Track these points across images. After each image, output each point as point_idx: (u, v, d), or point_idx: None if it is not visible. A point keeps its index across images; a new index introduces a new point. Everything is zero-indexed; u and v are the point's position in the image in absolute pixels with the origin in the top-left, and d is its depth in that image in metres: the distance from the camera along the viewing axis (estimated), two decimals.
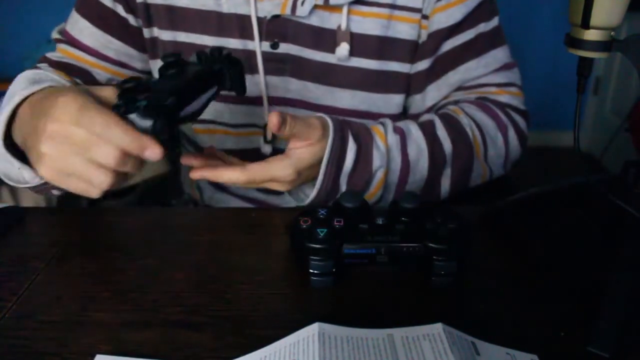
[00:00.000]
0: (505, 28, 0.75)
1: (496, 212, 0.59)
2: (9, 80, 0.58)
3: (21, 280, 0.48)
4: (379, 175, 0.63)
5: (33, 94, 0.51)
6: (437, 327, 0.40)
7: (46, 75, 0.58)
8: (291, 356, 0.38)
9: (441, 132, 0.67)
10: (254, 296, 0.46)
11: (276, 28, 0.67)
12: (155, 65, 0.73)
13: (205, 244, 0.54)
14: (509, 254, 0.54)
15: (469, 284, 0.49)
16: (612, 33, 0.45)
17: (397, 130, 0.65)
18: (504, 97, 0.73)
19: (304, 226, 0.48)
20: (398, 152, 0.64)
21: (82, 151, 0.44)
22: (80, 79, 0.70)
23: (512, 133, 0.72)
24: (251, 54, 0.68)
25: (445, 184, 0.68)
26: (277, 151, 0.72)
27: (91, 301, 0.45)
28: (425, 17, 0.69)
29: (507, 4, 0.74)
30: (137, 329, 0.42)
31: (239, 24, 0.67)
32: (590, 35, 0.45)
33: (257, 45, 0.67)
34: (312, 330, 0.39)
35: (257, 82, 0.69)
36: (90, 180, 0.45)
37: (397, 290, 0.48)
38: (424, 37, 0.70)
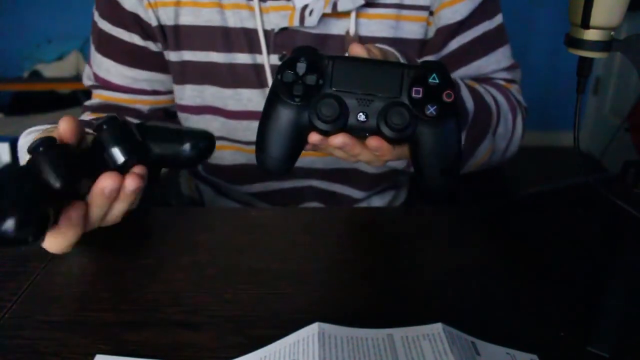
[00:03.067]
0: (506, 28, 0.75)
1: (496, 213, 0.59)
2: (9, 80, 0.59)
3: (21, 280, 0.48)
4: None
5: None
6: (437, 327, 0.40)
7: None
8: (291, 356, 0.38)
9: (464, 91, 0.62)
10: (254, 296, 0.46)
11: (284, 40, 0.66)
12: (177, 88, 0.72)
13: (205, 244, 0.54)
14: (509, 254, 0.54)
15: (469, 284, 0.49)
16: (612, 33, 0.45)
17: None
18: (511, 90, 0.74)
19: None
20: None
21: None
22: (127, 115, 0.70)
23: (519, 118, 0.71)
24: (260, 68, 0.67)
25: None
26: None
27: (91, 301, 0.45)
28: (432, 13, 0.69)
29: (507, 4, 0.74)
30: (137, 329, 0.42)
31: (246, 38, 0.66)
32: (590, 35, 0.45)
33: (265, 60, 0.66)
34: (312, 330, 0.39)
35: (266, 95, 0.68)
36: None
37: (397, 290, 0.48)
38: (430, 33, 0.70)
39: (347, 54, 0.47)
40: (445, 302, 0.46)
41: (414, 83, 0.41)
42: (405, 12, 0.67)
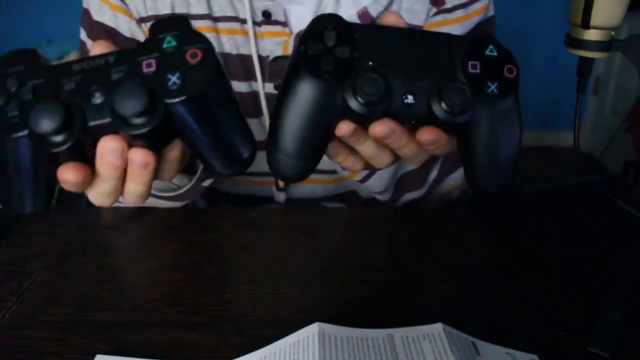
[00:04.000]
0: (506, 28, 0.74)
1: (496, 212, 0.59)
2: None
3: (21, 280, 0.48)
4: None
5: None
6: (437, 327, 0.40)
7: None
8: (291, 356, 0.38)
9: None
10: (254, 296, 0.46)
11: (279, 68, 0.62)
12: None
13: (205, 244, 0.54)
14: (509, 254, 0.54)
15: (469, 284, 0.49)
16: (612, 33, 0.45)
17: None
18: None
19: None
20: None
21: None
22: None
23: None
24: (256, 94, 0.64)
25: (435, 168, 0.64)
26: (291, 200, 0.69)
27: (91, 301, 0.45)
28: None
29: (507, 4, 0.73)
30: (137, 329, 0.42)
31: (242, 65, 0.63)
32: (590, 35, 0.45)
33: (260, 87, 0.63)
34: (312, 330, 0.39)
35: (262, 125, 0.65)
36: None
37: (397, 290, 0.48)
38: None
39: None
40: (445, 302, 0.46)
41: (468, 56, 0.33)
42: None
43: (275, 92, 0.61)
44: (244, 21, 0.60)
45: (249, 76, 0.63)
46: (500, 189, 0.37)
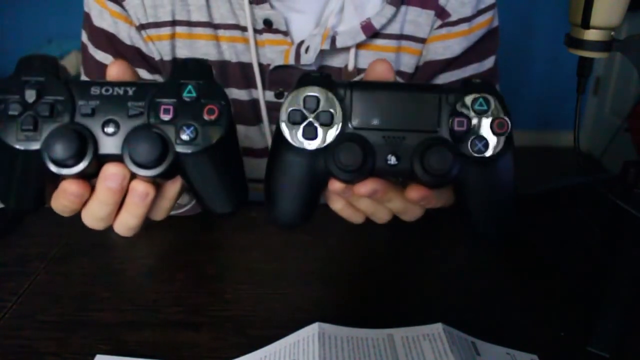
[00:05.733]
0: (506, 28, 0.74)
1: None
2: None
3: (21, 280, 0.48)
4: None
5: None
6: (437, 327, 0.40)
7: None
8: (291, 356, 0.38)
9: None
10: (254, 296, 0.46)
11: (280, 77, 0.61)
12: None
13: (205, 244, 0.54)
14: (510, 254, 0.54)
15: (469, 284, 0.49)
16: (612, 33, 0.45)
17: None
18: None
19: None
20: None
21: None
22: None
23: None
24: (256, 102, 0.64)
25: None
26: None
27: (91, 301, 0.45)
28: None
29: (507, 4, 0.72)
30: (137, 329, 0.42)
31: (242, 73, 0.62)
32: (590, 35, 0.45)
33: (261, 95, 0.62)
34: (312, 330, 0.39)
35: (262, 132, 0.65)
36: None
37: (397, 290, 0.48)
38: (420, 63, 0.65)
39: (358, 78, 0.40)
40: (445, 302, 0.46)
41: (456, 112, 0.33)
42: (404, 44, 0.63)
43: (276, 100, 0.62)
44: (244, 29, 0.59)
45: (249, 84, 0.63)
46: (501, 235, 0.38)
